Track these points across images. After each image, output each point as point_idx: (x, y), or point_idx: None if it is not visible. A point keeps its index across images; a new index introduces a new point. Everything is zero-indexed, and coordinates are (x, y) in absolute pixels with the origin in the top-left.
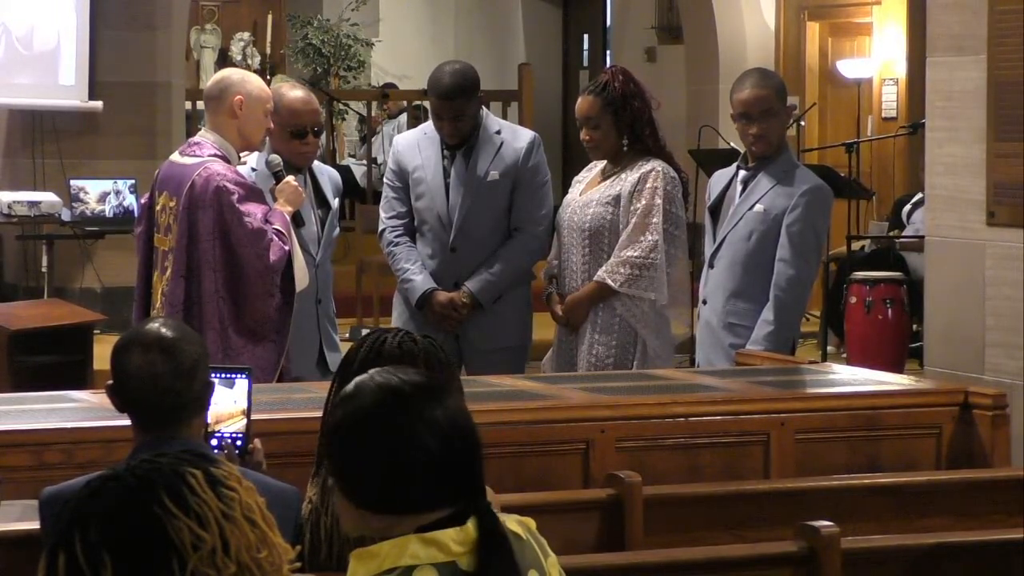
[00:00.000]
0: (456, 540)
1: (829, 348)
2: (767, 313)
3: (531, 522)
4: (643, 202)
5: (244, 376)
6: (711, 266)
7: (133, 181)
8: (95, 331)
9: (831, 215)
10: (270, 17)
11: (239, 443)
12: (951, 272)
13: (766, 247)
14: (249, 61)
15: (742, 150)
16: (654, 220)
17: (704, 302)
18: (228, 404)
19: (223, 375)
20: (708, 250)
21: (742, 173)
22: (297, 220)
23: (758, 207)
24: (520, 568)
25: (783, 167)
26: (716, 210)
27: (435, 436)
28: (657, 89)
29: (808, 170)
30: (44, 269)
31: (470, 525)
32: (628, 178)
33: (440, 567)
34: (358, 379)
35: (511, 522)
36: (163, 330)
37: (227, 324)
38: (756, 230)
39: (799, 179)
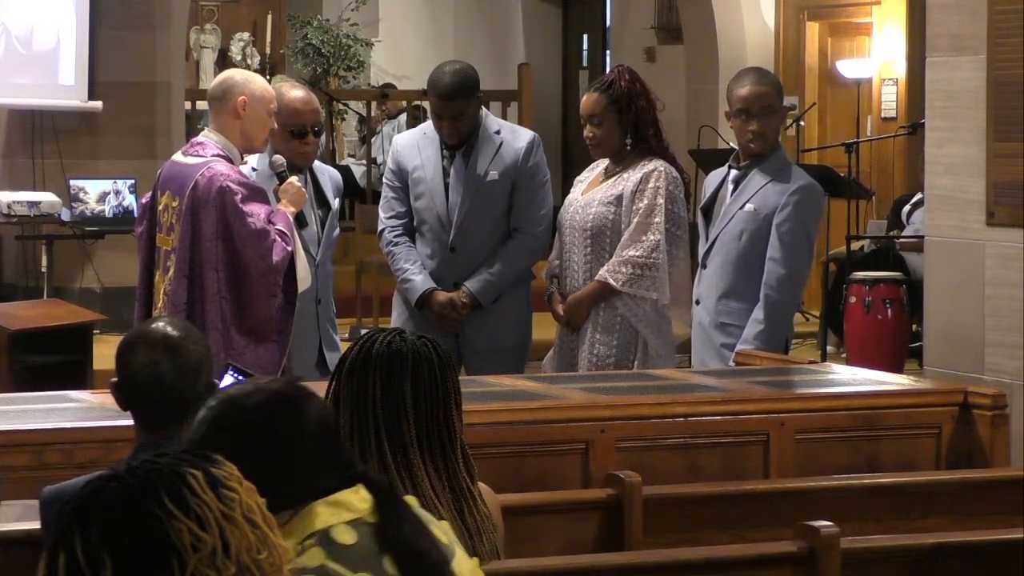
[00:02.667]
0: (356, 499)
1: (829, 348)
2: (757, 312)
3: (414, 500)
4: (645, 202)
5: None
6: (703, 266)
7: (133, 181)
8: (95, 331)
9: (822, 214)
10: (270, 17)
11: None
12: (951, 272)
13: (757, 246)
14: (249, 61)
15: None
16: (656, 220)
17: (697, 302)
18: None
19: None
20: (701, 250)
21: (733, 172)
22: (300, 221)
23: (748, 206)
24: (422, 519)
25: (774, 166)
26: (709, 210)
27: (312, 426)
28: (657, 89)
29: (800, 169)
30: (44, 269)
31: (362, 487)
32: (630, 178)
33: (353, 523)
34: (219, 400)
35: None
36: (169, 329)
37: (229, 324)
38: (747, 229)
39: (789, 178)
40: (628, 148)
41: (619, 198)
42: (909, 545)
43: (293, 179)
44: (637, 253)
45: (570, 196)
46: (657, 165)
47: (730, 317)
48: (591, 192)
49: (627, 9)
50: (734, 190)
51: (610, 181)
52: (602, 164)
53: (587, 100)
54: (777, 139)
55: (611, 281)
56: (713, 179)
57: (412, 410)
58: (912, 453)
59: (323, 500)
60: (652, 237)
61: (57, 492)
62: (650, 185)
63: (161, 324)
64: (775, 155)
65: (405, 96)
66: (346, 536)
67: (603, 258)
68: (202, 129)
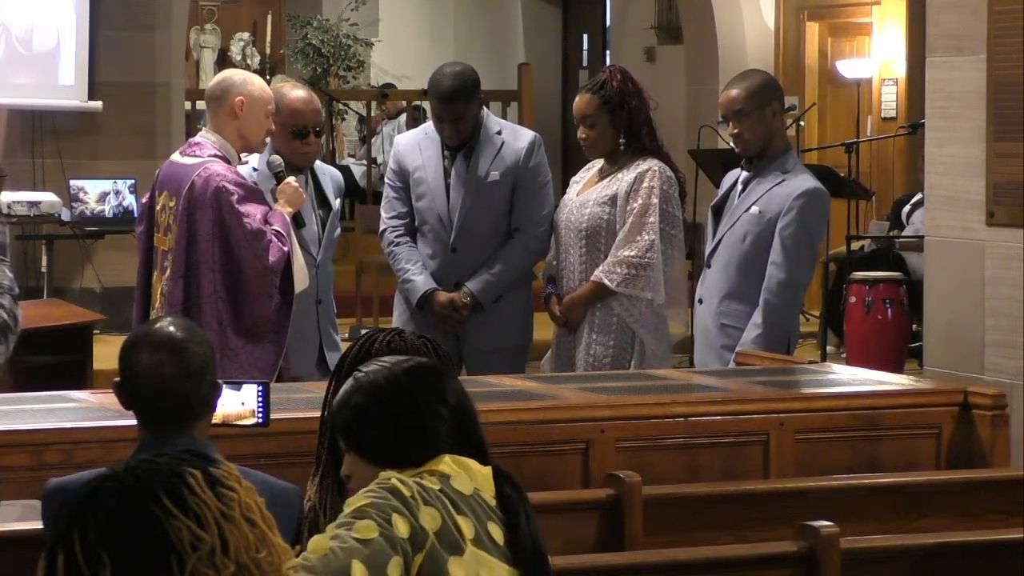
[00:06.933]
0: (481, 472)
1: (829, 348)
2: (756, 316)
3: None
4: (639, 202)
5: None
6: (708, 266)
7: (133, 181)
8: (95, 331)
9: (827, 218)
10: (270, 17)
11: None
12: (951, 272)
13: (760, 249)
14: (249, 61)
15: None
16: (650, 220)
17: (700, 301)
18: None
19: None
20: (707, 249)
21: (743, 174)
22: (298, 221)
23: (754, 209)
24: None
25: (782, 169)
26: (720, 209)
27: (451, 398)
28: (656, 89)
29: (807, 172)
30: (44, 269)
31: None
32: (624, 178)
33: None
34: (374, 365)
35: None
36: (172, 329)
37: (226, 324)
38: (751, 232)
39: (796, 182)
40: (622, 148)
41: (613, 198)
42: (909, 545)
43: (290, 179)
44: (632, 253)
45: (566, 196)
46: (651, 165)
47: (731, 319)
48: (586, 192)
49: (627, 9)
50: (742, 191)
51: (605, 181)
52: (598, 164)
53: (579, 101)
54: (779, 141)
55: (606, 281)
56: (729, 178)
57: None
58: (912, 453)
59: (452, 456)
60: (646, 237)
61: (61, 485)
62: (644, 185)
63: (165, 324)
64: (782, 157)
65: (405, 96)
66: (463, 487)
67: (598, 258)
68: (201, 129)
